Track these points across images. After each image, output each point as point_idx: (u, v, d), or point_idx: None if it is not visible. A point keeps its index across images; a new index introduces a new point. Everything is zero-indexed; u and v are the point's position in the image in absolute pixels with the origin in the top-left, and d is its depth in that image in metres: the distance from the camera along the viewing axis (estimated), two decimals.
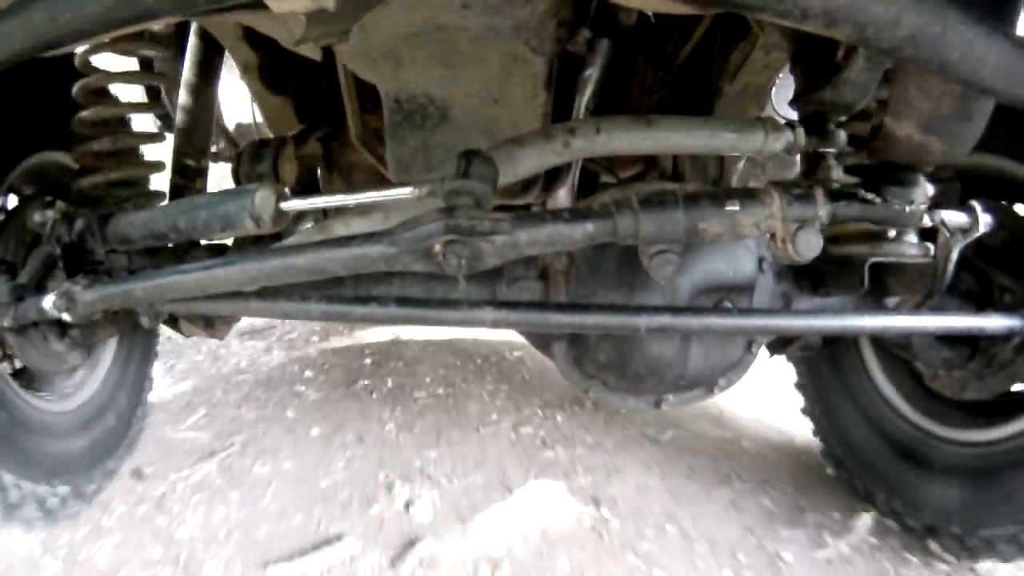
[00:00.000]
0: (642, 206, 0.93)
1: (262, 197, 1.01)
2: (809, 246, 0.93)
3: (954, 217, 1.07)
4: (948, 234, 1.07)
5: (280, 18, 0.92)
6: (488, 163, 0.99)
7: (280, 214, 1.02)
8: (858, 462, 1.64)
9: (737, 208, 0.93)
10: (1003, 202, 1.26)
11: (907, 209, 0.98)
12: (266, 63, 1.39)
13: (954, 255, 1.09)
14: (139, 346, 1.76)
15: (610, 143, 1.06)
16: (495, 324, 1.08)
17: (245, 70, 1.39)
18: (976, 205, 1.08)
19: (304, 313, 1.12)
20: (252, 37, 1.29)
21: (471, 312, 1.07)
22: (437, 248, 0.91)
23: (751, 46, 1.26)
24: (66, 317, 1.11)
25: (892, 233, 1.09)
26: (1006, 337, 1.21)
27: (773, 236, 0.96)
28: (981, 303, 1.26)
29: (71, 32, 0.65)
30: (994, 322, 1.15)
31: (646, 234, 0.94)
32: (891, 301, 1.24)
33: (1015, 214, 1.27)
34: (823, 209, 0.94)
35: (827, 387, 1.73)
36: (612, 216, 0.94)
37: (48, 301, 1.11)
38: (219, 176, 1.99)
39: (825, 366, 1.72)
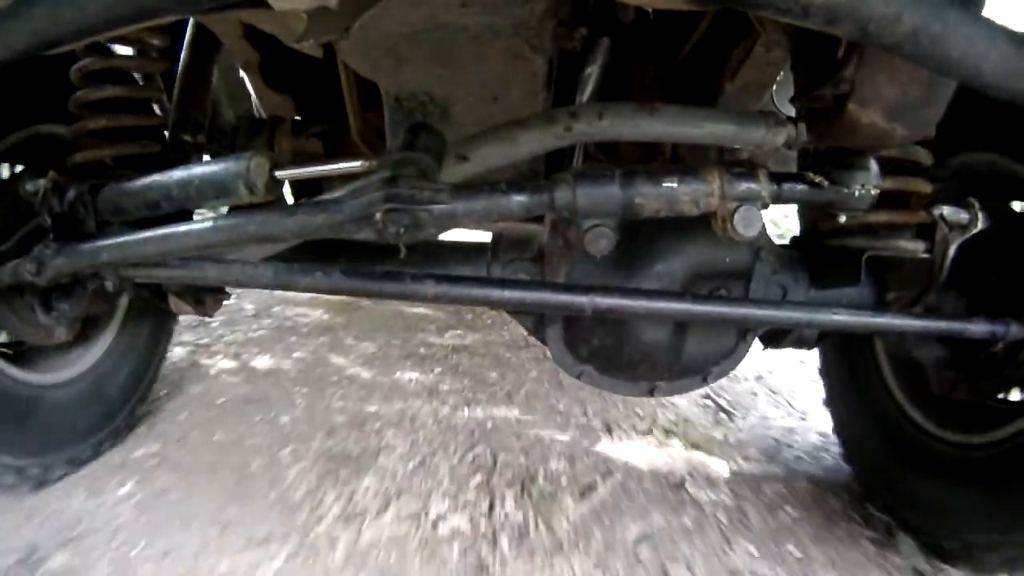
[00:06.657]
0: (577, 180, 0.93)
1: (257, 163, 0.99)
2: (749, 225, 0.92)
3: (953, 213, 1.06)
4: (947, 229, 1.06)
5: (281, 16, 0.91)
6: (435, 136, 1.00)
7: (275, 182, 1.01)
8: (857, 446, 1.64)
9: (675, 185, 0.92)
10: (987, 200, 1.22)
11: (856, 193, 0.96)
12: (267, 61, 1.38)
13: (951, 251, 1.08)
14: (148, 325, 1.75)
15: (612, 129, 1.05)
16: (500, 304, 1.08)
17: (246, 68, 1.39)
18: (975, 203, 1.07)
19: (330, 287, 1.12)
20: (253, 35, 1.29)
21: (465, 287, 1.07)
22: (378, 216, 0.91)
23: (752, 44, 1.26)
24: (36, 280, 1.11)
25: (885, 218, 1.06)
26: (992, 342, 1.18)
27: (715, 215, 0.95)
28: (979, 302, 1.24)
29: (73, 31, 0.65)
30: (976, 327, 1.12)
31: (582, 208, 0.94)
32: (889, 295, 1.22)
33: (1013, 212, 1.25)
34: (766, 189, 0.93)
35: (837, 376, 1.72)
36: (549, 189, 0.94)
37: (19, 264, 1.11)
38: None
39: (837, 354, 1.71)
